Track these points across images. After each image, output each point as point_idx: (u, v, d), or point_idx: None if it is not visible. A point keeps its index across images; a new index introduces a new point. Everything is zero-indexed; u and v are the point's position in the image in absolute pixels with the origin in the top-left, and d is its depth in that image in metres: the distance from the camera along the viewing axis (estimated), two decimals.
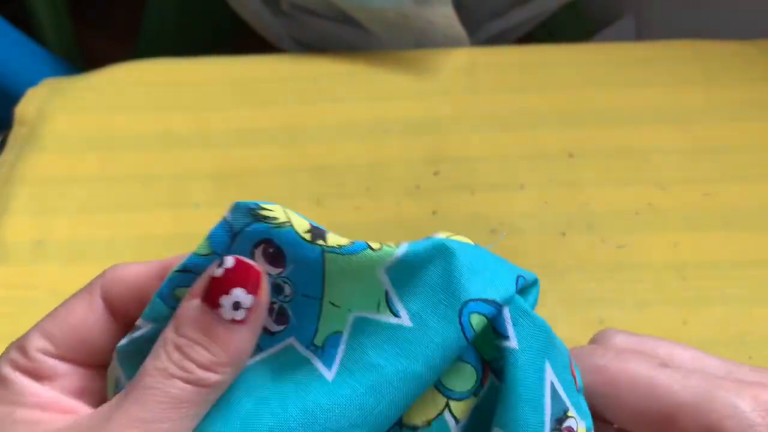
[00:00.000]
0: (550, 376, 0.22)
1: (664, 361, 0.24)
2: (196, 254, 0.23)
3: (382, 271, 0.22)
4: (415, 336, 0.21)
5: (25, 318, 0.42)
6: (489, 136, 0.51)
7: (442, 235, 0.23)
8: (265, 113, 0.52)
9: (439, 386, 0.22)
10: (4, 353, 0.24)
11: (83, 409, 0.23)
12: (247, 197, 0.48)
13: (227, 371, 0.21)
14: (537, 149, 0.50)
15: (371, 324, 0.22)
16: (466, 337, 0.21)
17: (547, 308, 0.42)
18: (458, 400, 0.22)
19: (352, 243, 0.22)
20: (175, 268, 0.23)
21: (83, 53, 0.87)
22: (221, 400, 0.22)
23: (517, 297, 0.22)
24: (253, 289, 0.21)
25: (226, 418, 0.22)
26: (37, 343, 0.23)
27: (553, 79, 0.54)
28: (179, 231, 0.46)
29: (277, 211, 0.22)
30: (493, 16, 0.72)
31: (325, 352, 0.22)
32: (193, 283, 0.22)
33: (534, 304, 0.23)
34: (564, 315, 0.41)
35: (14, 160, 0.50)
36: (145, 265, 0.24)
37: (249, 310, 0.21)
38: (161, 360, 0.21)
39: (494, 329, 0.22)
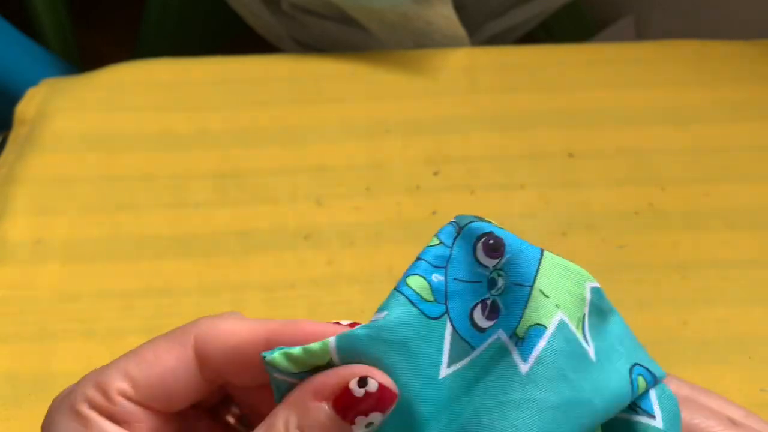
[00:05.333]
0: None
1: (732, 419, 0.24)
2: (429, 246, 0.24)
3: (588, 287, 0.23)
4: (599, 372, 0.22)
5: (26, 318, 0.42)
6: (489, 136, 0.51)
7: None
8: (265, 113, 0.52)
9: None
10: (77, 387, 0.23)
11: None
12: (247, 197, 0.48)
13: None
14: (537, 149, 0.50)
15: (570, 336, 0.22)
16: (633, 394, 0.22)
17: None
18: None
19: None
20: (420, 255, 0.24)
21: (83, 53, 0.87)
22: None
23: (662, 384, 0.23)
24: (389, 408, 0.21)
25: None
26: (120, 385, 0.23)
27: (553, 79, 0.54)
28: (179, 231, 0.46)
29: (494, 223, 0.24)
30: (493, 16, 0.72)
31: (524, 343, 0.22)
32: (322, 380, 0.22)
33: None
34: None
35: (14, 160, 0.50)
36: (245, 325, 0.24)
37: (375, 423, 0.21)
38: None
39: (634, 403, 0.23)
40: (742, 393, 0.38)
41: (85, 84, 0.55)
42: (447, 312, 0.23)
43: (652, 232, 0.45)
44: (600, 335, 0.23)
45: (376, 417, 0.21)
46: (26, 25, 0.79)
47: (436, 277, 0.23)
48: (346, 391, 0.21)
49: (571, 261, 0.24)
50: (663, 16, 0.83)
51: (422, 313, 0.23)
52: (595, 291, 0.23)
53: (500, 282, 0.23)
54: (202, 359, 0.23)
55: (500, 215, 0.46)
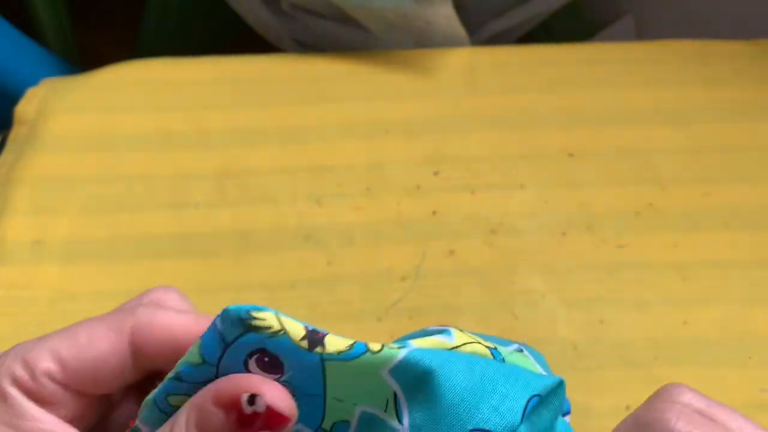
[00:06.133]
0: None
1: None
2: (187, 363, 0.22)
3: (386, 372, 0.21)
4: None
5: (25, 318, 0.42)
6: (489, 136, 0.51)
7: (453, 332, 0.23)
8: (265, 113, 0.52)
9: None
10: (3, 360, 0.23)
11: None
12: (247, 197, 0.48)
13: None
14: (537, 149, 0.50)
15: (378, 422, 0.22)
16: None
17: (548, 308, 0.42)
18: None
19: (351, 347, 0.21)
20: (169, 375, 0.22)
21: (83, 53, 0.87)
22: None
23: (522, 428, 0.21)
24: (281, 429, 0.21)
25: None
26: (47, 365, 0.23)
27: (553, 79, 0.54)
28: (179, 231, 0.46)
29: (270, 319, 0.21)
30: (493, 16, 0.72)
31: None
32: (223, 385, 0.21)
33: (559, 409, 0.23)
34: (564, 315, 0.41)
35: (14, 160, 0.50)
36: (179, 317, 0.24)
37: None
38: None
39: None
40: (742, 393, 0.38)
41: (85, 84, 0.55)
42: None
43: (652, 232, 0.45)
44: (421, 409, 0.21)
45: None
46: (26, 25, 0.79)
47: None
48: (238, 403, 0.21)
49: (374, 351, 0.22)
50: (663, 16, 0.83)
51: None
52: (407, 359, 0.22)
53: (289, 389, 0.22)
54: (137, 349, 0.23)
55: (500, 215, 0.46)
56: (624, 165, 0.49)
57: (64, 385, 0.23)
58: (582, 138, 0.50)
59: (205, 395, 0.21)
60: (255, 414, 0.20)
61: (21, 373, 0.23)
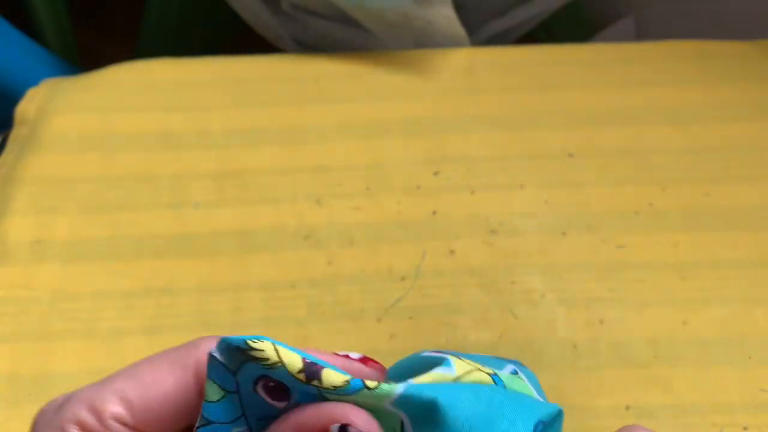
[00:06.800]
0: None
1: None
2: (207, 402, 0.21)
3: (388, 402, 0.21)
4: None
5: (25, 318, 0.42)
6: (489, 136, 0.51)
7: (452, 362, 0.22)
8: (265, 113, 0.52)
9: None
10: (69, 404, 0.22)
11: None
12: (247, 197, 0.48)
13: None
14: (537, 149, 0.50)
15: None
16: None
17: (547, 308, 0.42)
18: None
19: (347, 383, 0.21)
20: (197, 424, 0.22)
21: (83, 53, 0.87)
22: None
23: None
24: None
25: None
26: (115, 409, 0.22)
27: (553, 79, 0.54)
28: (179, 231, 0.46)
29: (268, 350, 0.21)
30: (493, 16, 0.72)
31: None
32: (305, 418, 0.21)
33: None
34: (564, 315, 0.41)
35: (14, 160, 0.50)
36: None
37: None
38: None
39: None
40: (742, 393, 0.38)
41: (85, 84, 0.55)
42: None
43: (652, 232, 0.45)
44: None
45: None
46: (26, 25, 0.79)
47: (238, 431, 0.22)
48: None
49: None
50: (663, 16, 0.83)
51: None
52: (407, 392, 0.22)
53: None
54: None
55: (500, 215, 0.46)
56: (624, 165, 0.49)
57: (132, 428, 0.22)
58: (582, 138, 0.50)
59: (285, 427, 0.21)
60: None
61: (88, 417, 0.21)
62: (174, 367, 0.22)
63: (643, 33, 0.84)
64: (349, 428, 0.20)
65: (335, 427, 0.20)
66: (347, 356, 0.23)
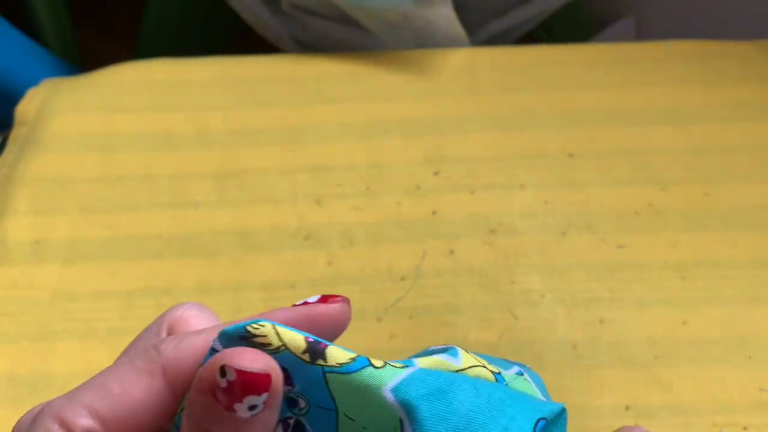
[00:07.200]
0: None
1: None
2: None
3: (387, 389, 0.21)
4: None
5: (25, 318, 0.42)
6: (489, 136, 0.51)
7: (459, 352, 0.22)
8: (265, 113, 0.52)
9: None
10: (38, 421, 0.22)
11: None
12: (247, 197, 0.48)
13: None
14: (537, 149, 0.50)
15: None
16: None
17: (547, 308, 0.42)
18: None
19: (353, 360, 0.21)
20: (179, 411, 0.22)
21: (83, 53, 0.87)
22: None
23: None
24: (264, 388, 0.20)
25: None
26: (85, 422, 0.21)
27: (553, 79, 0.54)
28: (179, 231, 0.46)
29: (270, 335, 0.21)
30: (493, 16, 0.72)
31: None
32: (199, 373, 0.21)
33: None
34: (564, 315, 0.41)
35: (14, 160, 0.50)
36: (204, 339, 0.23)
37: (265, 402, 0.20)
38: None
39: None
40: (742, 393, 0.38)
41: (85, 84, 0.55)
42: None
43: (652, 232, 0.45)
44: None
45: (254, 400, 0.20)
46: (26, 25, 0.79)
47: None
48: (215, 382, 0.20)
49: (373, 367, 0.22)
50: (663, 16, 0.83)
51: None
52: (412, 377, 0.21)
53: (302, 402, 0.22)
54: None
55: (500, 215, 0.46)
56: (624, 165, 0.49)
57: None
58: (582, 138, 0.50)
59: (191, 389, 0.21)
60: (230, 383, 0.20)
61: (57, 431, 0.21)
62: (140, 374, 0.22)
63: (643, 33, 0.84)
64: (225, 368, 0.20)
65: (217, 372, 0.20)
66: (305, 303, 0.23)
